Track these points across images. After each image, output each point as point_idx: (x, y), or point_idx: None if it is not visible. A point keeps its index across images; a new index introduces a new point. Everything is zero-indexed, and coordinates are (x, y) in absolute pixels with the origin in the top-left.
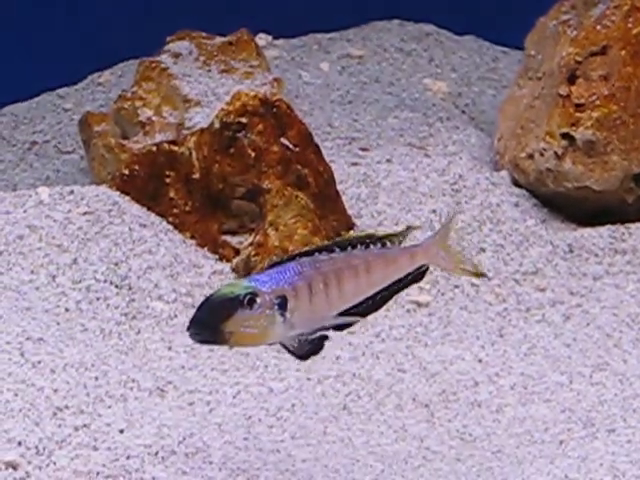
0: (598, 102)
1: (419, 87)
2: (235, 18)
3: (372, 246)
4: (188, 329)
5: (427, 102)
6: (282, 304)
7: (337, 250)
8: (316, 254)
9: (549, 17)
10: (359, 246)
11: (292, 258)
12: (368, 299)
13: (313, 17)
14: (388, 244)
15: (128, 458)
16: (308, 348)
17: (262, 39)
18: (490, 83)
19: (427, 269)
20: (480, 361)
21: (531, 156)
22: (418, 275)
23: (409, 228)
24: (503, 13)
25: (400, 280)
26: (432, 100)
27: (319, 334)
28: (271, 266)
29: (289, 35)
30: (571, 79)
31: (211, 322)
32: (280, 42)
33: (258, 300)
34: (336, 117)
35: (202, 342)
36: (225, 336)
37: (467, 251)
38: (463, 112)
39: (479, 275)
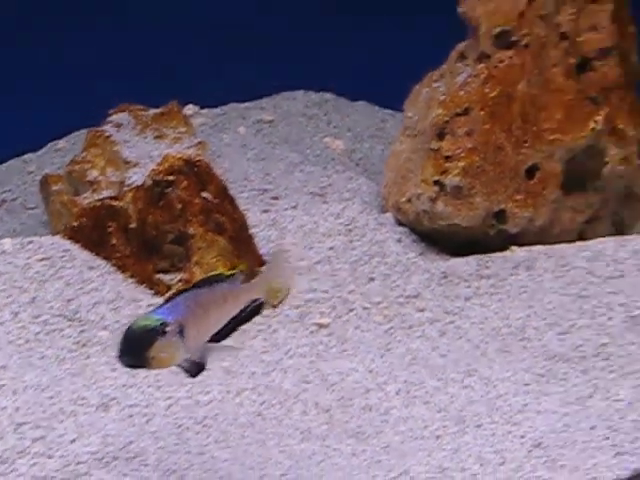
0: (463, 154)
1: (320, 145)
2: (168, 93)
3: (222, 283)
4: (118, 357)
5: (327, 157)
6: (182, 332)
7: (205, 286)
8: (192, 290)
9: (423, 85)
10: (218, 283)
11: (178, 294)
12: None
13: (233, 90)
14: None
15: (78, 464)
16: (196, 368)
17: (190, 109)
18: (379, 140)
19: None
20: (371, 371)
21: (410, 200)
22: (256, 308)
23: (241, 270)
24: (387, 83)
25: (242, 311)
26: (331, 155)
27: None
28: (166, 301)
29: (213, 105)
30: (440, 135)
31: (137, 350)
32: (205, 111)
33: (168, 329)
34: (251, 172)
35: (130, 367)
36: (148, 361)
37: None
38: (357, 165)
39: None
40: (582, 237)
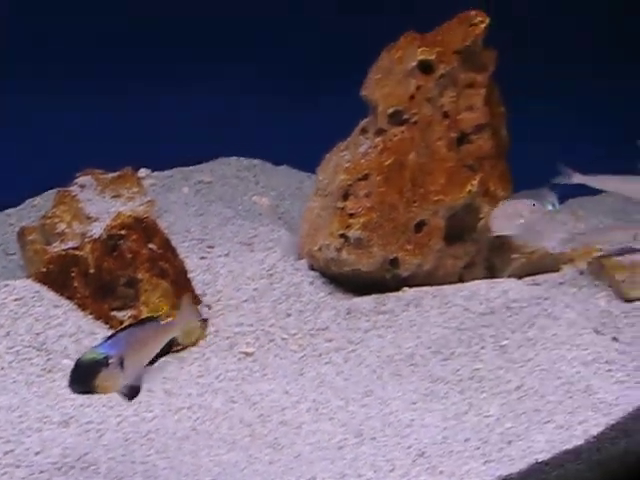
0: (363, 212)
1: (249, 202)
2: (124, 159)
3: (152, 322)
4: (69, 385)
5: (255, 212)
6: (122, 363)
7: (138, 325)
8: (130, 328)
9: (332, 154)
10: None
11: (119, 331)
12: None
13: (179, 157)
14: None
15: (41, 472)
16: (132, 391)
17: (143, 172)
18: (298, 198)
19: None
20: (286, 392)
21: (320, 249)
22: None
23: (163, 313)
24: (305, 151)
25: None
26: (259, 211)
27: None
28: (109, 338)
29: (162, 169)
30: (345, 196)
31: (85, 379)
32: (156, 174)
33: (111, 361)
34: (192, 225)
35: (79, 393)
36: (94, 388)
37: (278, 316)
38: (279, 218)
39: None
40: (461, 279)
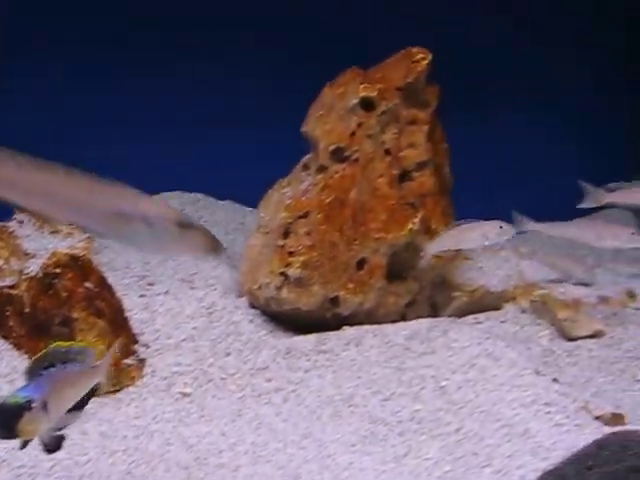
0: (303, 250)
1: None
2: None
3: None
4: None
5: None
6: (45, 406)
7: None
8: (53, 369)
9: (274, 190)
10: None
11: (39, 373)
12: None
13: None
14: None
15: None
16: (55, 444)
17: None
18: (241, 233)
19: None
20: (224, 434)
21: (261, 287)
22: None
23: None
24: (248, 186)
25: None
26: None
27: (60, 432)
28: (31, 380)
29: None
30: (285, 234)
31: (8, 424)
32: None
33: (34, 405)
34: (132, 261)
35: (3, 438)
36: (18, 432)
37: (217, 355)
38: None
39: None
40: (404, 318)
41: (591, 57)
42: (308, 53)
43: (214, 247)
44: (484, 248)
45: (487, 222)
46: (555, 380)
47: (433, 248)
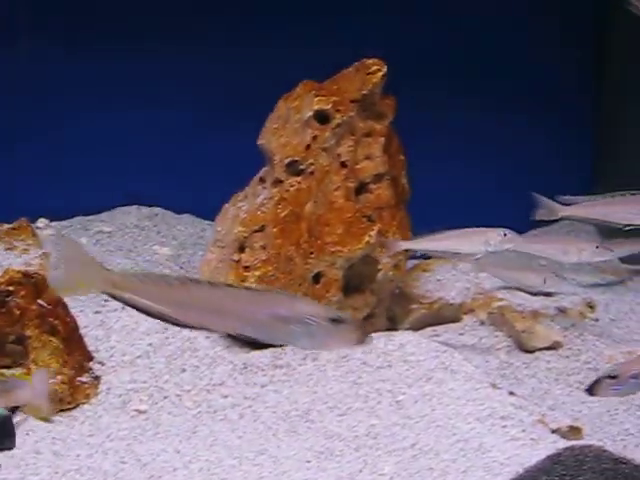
0: (259, 264)
1: (150, 252)
2: (21, 209)
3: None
4: None
5: (155, 263)
6: None
7: None
8: None
9: (231, 203)
10: None
11: None
12: None
13: (78, 207)
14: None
15: None
16: None
17: (42, 222)
18: (200, 247)
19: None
20: (178, 452)
21: None
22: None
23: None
24: (207, 199)
25: None
26: (159, 261)
27: None
28: None
29: (61, 219)
30: (241, 249)
31: None
32: (55, 224)
33: None
34: None
35: None
36: None
37: (172, 372)
38: (181, 268)
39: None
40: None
41: (557, 70)
42: (265, 66)
43: (363, 339)
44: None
45: (490, 228)
46: (511, 393)
47: (420, 244)
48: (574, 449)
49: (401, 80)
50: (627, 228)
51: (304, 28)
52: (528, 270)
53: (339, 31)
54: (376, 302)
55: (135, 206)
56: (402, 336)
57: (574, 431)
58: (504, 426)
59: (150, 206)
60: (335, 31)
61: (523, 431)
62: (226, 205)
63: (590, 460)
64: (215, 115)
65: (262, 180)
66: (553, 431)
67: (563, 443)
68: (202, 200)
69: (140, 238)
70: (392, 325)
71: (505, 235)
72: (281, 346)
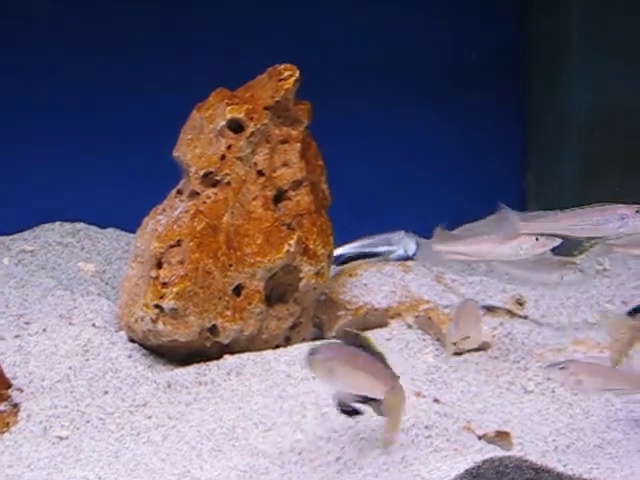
0: (177, 280)
1: (74, 269)
2: None
3: None
4: None
5: (80, 280)
6: None
7: None
8: None
9: (150, 217)
10: None
11: None
12: None
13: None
14: None
15: None
16: None
17: None
18: (126, 261)
19: None
20: (99, 478)
21: (137, 320)
22: None
23: None
24: (131, 211)
25: None
26: (84, 278)
27: None
28: None
29: None
30: (159, 265)
31: None
32: None
33: None
34: (12, 299)
35: None
36: None
37: (94, 395)
38: (107, 284)
39: None
40: (289, 340)
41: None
42: (181, 76)
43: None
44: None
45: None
46: (436, 401)
47: (447, 247)
48: (494, 461)
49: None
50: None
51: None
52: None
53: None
54: (300, 311)
55: (58, 222)
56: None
57: (502, 436)
58: (428, 436)
59: (73, 222)
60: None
61: (447, 440)
62: (146, 219)
63: (511, 471)
64: (137, 126)
65: (179, 192)
66: (480, 437)
67: (485, 454)
68: (127, 212)
69: (64, 255)
70: (320, 333)
71: (537, 239)
72: (205, 361)
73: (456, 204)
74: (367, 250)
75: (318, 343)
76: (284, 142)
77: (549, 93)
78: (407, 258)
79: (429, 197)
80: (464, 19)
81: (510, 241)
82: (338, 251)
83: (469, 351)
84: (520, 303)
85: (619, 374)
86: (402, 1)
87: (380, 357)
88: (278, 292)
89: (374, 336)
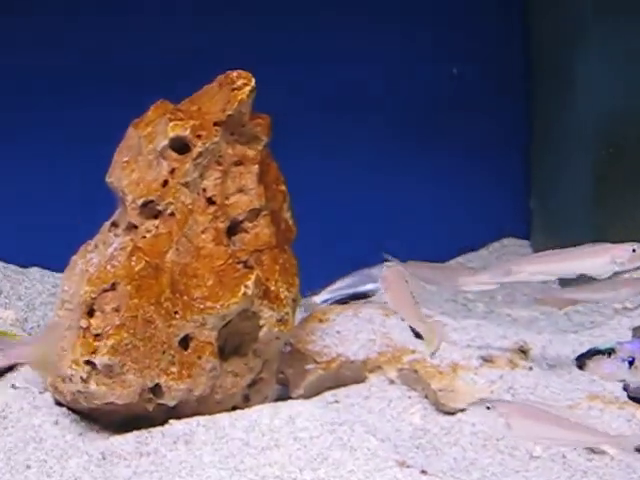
0: (112, 331)
1: None
2: None
3: None
4: None
5: None
6: None
7: None
8: None
9: (79, 255)
10: None
11: None
12: None
13: None
14: None
15: None
16: None
17: None
18: (51, 307)
19: None
20: None
21: (65, 380)
22: None
23: None
24: (58, 248)
25: None
26: (2, 327)
27: None
28: None
29: None
30: (90, 313)
31: None
32: None
33: None
34: None
35: None
36: None
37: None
38: (29, 333)
39: None
40: (248, 400)
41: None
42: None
43: None
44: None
45: (614, 244)
46: (423, 472)
47: (519, 272)
48: None
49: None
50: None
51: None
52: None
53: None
54: (261, 365)
55: None
56: (292, 407)
57: None
58: None
59: None
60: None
61: None
62: (74, 257)
63: None
64: (68, 143)
65: (114, 225)
66: None
67: None
68: (53, 249)
69: None
70: (285, 391)
71: (634, 251)
72: (147, 428)
73: (452, 230)
74: (352, 291)
75: None
76: (239, 164)
77: (555, 101)
78: None
79: (422, 222)
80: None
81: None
82: (324, 295)
83: (463, 410)
84: (524, 351)
85: (561, 422)
86: None
87: None
88: (234, 343)
89: (349, 393)
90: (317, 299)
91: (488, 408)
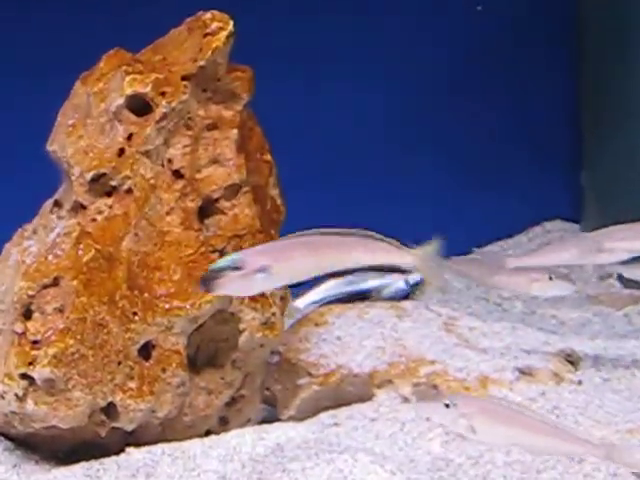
0: (54, 337)
1: None
2: None
3: None
4: None
5: None
6: None
7: None
8: None
9: (13, 243)
10: None
11: None
12: None
13: None
14: None
15: None
16: None
17: None
18: None
19: None
20: None
21: None
22: None
23: None
24: None
25: None
26: None
27: None
28: None
29: None
30: (27, 314)
31: None
32: None
33: None
34: None
35: None
36: None
37: None
38: None
39: None
40: (226, 422)
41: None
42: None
43: None
44: None
45: None
46: None
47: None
48: None
49: None
50: None
51: None
52: None
53: None
54: (242, 380)
55: None
56: (280, 431)
57: None
58: None
59: None
60: None
61: None
62: (7, 245)
63: None
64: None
65: (57, 205)
66: None
67: None
68: None
69: None
70: (272, 413)
71: None
72: (99, 458)
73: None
74: (352, 289)
75: None
76: (213, 128)
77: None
78: (406, 295)
79: (452, 201)
80: None
81: None
82: (311, 297)
83: None
84: (572, 362)
85: (537, 425)
86: None
87: None
88: (208, 352)
89: (352, 414)
90: (299, 302)
91: (447, 406)
